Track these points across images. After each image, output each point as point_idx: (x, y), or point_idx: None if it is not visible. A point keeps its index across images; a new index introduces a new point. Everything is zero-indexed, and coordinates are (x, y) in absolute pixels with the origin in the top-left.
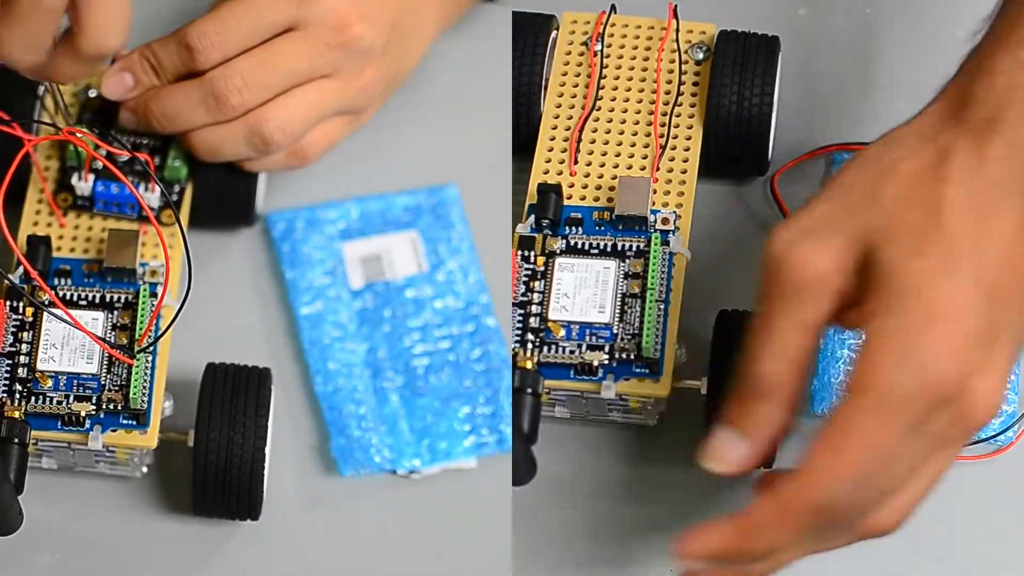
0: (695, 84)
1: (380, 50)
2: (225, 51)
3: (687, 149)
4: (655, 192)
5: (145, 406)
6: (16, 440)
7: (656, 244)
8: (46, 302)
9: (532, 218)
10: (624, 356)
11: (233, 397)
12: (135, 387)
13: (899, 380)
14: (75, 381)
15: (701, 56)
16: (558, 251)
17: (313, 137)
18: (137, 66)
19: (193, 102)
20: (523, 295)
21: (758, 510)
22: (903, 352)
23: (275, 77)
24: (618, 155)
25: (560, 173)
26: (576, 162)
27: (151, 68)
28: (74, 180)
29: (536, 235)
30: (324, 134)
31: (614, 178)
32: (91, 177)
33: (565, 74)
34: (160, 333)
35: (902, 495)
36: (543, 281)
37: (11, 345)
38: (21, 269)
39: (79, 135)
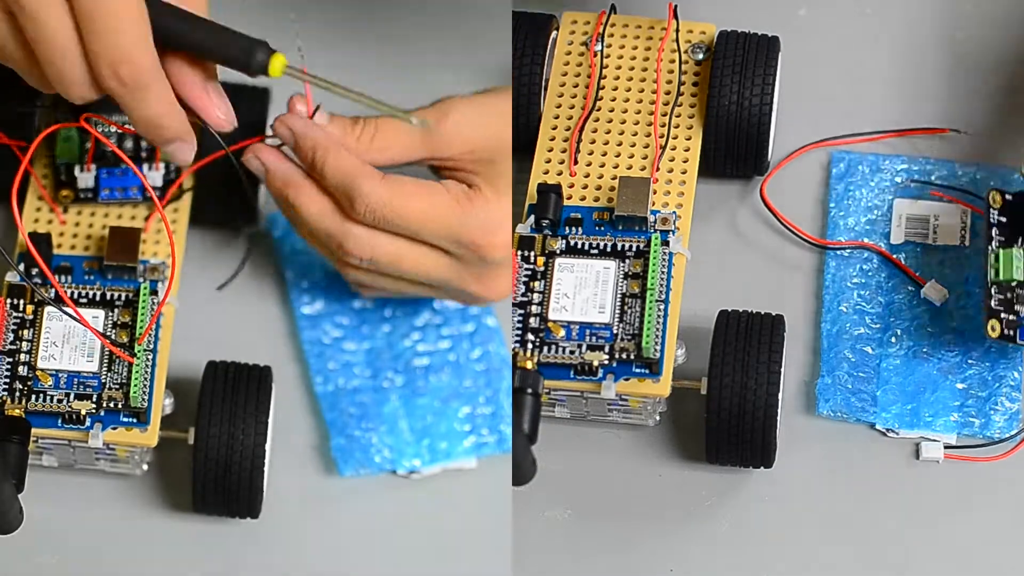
0: (695, 84)
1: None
2: (381, 224)
3: (687, 149)
4: (655, 192)
5: (145, 404)
6: (16, 439)
7: (656, 244)
8: (52, 297)
9: (532, 218)
10: (624, 356)
11: (234, 395)
12: (135, 385)
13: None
14: (76, 379)
15: (701, 56)
16: (558, 251)
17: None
18: (304, 146)
19: (322, 227)
20: (523, 295)
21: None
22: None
23: (399, 271)
24: (618, 155)
25: (560, 173)
26: (576, 162)
27: (312, 163)
28: (76, 172)
29: (536, 235)
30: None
31: (614, 178)
32: (93, 167)
33: (565, 74)
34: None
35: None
36: (543, 281)
37: (12, 343)
38: (22, 267)
39: (94, 121)
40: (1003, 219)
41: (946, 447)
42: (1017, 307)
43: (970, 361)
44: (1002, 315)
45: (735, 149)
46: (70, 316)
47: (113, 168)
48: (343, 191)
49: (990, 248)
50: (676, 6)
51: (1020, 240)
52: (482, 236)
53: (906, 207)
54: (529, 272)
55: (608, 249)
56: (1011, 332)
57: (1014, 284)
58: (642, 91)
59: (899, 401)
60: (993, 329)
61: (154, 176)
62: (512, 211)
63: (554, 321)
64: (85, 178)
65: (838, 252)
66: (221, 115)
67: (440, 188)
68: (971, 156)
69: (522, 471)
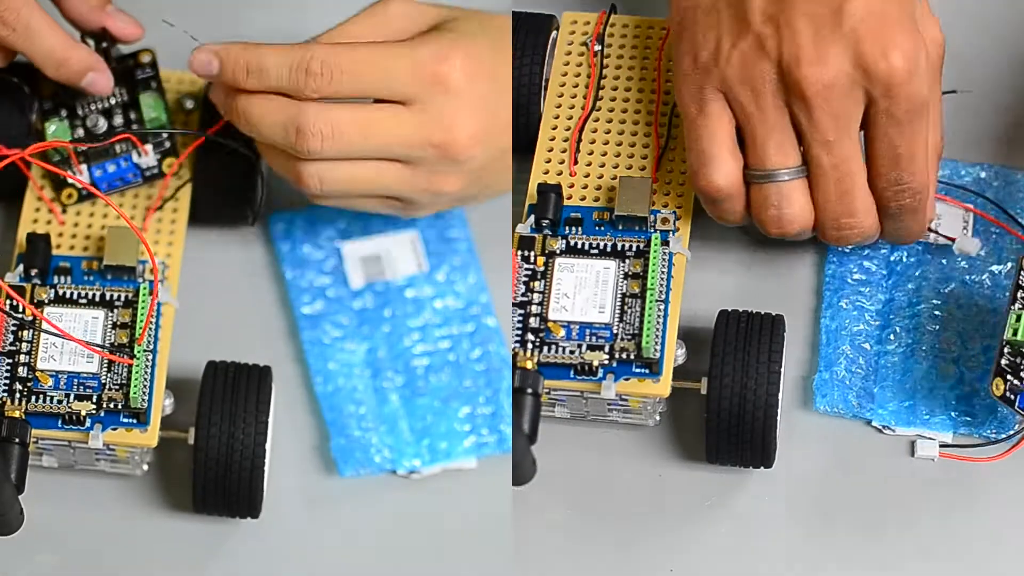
0: None
1: (474, 169)
2: (337, 90)
3: (687, 149)
4: (655, 192)
5: (145, 405)
6: (17, 440)
7: (656, 244)
8: (31, 318)
9: (532, 218)
10: (624, 356)
11: (234, 394)
12: (135, 386)
13: None
14: (75, 380)
15: None
16: (558, 251)
17: (346, 201)
18: (231, 61)
19: (276, 121)
20: (523, 295)
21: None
22: None
23: (361, 144)
24: (618, 155)
25: (560, 173)
26: (576, 162)
27: (245, 69)
28: (69, 179)
29: (536, 235)
30: (360, 203)
31: (614, 178)
32: (84, 168)
33: (565, 74)
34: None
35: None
36: (543, 281)
37: (11, 344)
38: (20, 268)
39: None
40: None
41: (942, 446)
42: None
43: (968, 360)
44: (1007, 376)
45: None
46: (51, 334)
47: (103, 164)
48: (293, 63)
49: (1012, 308)
50: None
51: None
52: (434, 61)
53: None
54: (529, 272)
55: (608, 249)
56: (1012, 396)
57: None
58: (642, 91)
59: (896, 398)
60: (997, 388)
61: (147, 160)
62: (512, 211)
63: (554, 321)
64: (79, 179)
65: (839, 249)
66: (126, 26)
67: (387, 40)
68: (976, 157)
69: (522, 471)
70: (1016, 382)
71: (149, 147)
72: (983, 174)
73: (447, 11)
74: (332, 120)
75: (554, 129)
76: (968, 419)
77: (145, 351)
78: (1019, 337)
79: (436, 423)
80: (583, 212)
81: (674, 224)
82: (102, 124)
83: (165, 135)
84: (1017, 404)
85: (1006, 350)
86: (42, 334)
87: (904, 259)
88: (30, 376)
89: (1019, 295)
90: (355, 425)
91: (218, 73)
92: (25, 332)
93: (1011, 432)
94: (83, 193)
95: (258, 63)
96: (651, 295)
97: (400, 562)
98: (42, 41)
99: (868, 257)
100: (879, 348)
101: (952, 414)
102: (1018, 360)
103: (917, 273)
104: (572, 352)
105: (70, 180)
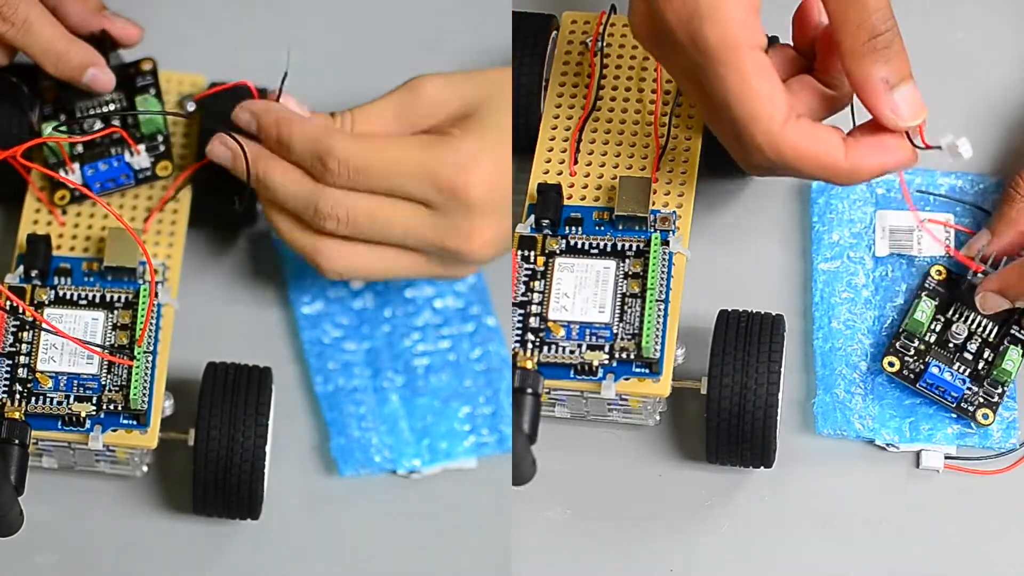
0: None
1: (482, 265)
2: (353, 185)
3: (687, 149)
4: (655, 192)
5: (145, 406)
6: (16, 441)
7: (656, 244)
8: (32, 319)
9: (532, 218)
10: (624, 356)
11: (234, 396)
12: (135, 387)
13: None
14: (75, 381)
15: None
16: (558, 251)
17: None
18: (265, 127)
19: (294, 195)
20: (523, 295)
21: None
22: None
23: (376, 230)
24: (618, 155)
25: (560, 173)
26: (576, 162)
27: (276, 139)
28: (61, 174)
29: (536, 235)
30: (375, 277)
31: (614, 178)
32: (76, 167)
33: (565, 74)
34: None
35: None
36: (543, 281)
37: (11, 346)
38: (21, 269)
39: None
40: (940, 289)
41: (946, 457)
42: (928, 358)
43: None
44: (904, 358)
45: None
46: (46, 331)
47: (95, 163)
48: (314, 154)
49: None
50: None
51: (951, 308)
52: (456, 174)
53: (889, 219)
54: (529, 272)
55: (608, 249)
56: (910, 375)
57: (919, 334)
58: (642, 91)
59: (897, 416)
60: (891, 365)
61: (140, 160)
62: (512, 211)
63: (554, 321)
64: (72, 179)
65: (824, 269)
66: (125, 27)
67: (411, 137)
68: (951, 165)
69: (522, 471)
70: (910, 360)
71: (142, 147)
72: (959, 182)
73: (479, 90)
74: (348, 206)
75: (554, 129)
76: (969, 431)
77: (145, 352)
78: (910, 321)
79: (436, 423)
80: (583, 212)
81: (674, 224)
82: (98, 129)
83: (160, 138)
84: (919, 383)
85: (903, 336)
86: (42, 335)
87: (889, 273)
88: (30, 377)
89: (922, 294)
90: (355, 425)
91: (256, 131)
92: (25, 333)
93: (1014, 441)
94: (75, 194)
95: (287, 138)
96: (651, 295)
97: (400, 562)
98: (41, 36)
99: (854, 273)
100: (875, 366)
101: (954, 428)
102: (915, 343)
103: (904, 287)
104: (572, 352)
105: (61, 180)
